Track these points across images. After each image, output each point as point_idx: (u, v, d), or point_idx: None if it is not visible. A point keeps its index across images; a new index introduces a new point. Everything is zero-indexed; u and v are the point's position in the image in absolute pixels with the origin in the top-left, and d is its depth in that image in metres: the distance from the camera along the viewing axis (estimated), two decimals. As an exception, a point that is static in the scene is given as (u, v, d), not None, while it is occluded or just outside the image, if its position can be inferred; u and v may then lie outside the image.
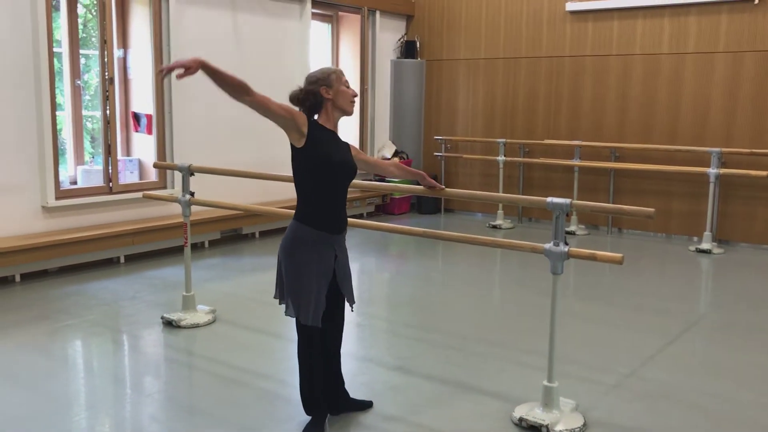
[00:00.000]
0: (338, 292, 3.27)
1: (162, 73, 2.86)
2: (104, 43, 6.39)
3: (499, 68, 9.12)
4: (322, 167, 3.08)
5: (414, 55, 9.58)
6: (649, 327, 4.98)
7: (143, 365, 4.26)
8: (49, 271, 6.03)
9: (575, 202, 3.26)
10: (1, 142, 5.72)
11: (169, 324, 4.78)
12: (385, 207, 9.48)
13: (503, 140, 8.79)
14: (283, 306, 3.20)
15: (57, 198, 6.09)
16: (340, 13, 8.96)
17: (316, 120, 3.17)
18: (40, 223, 6.02)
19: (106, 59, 6.42)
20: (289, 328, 4.92)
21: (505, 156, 8.78)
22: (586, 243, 7.84)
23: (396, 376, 4.01)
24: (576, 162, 8.32)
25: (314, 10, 8.42)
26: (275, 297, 3.26)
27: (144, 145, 7.06)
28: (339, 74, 3.17)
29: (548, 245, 3.31)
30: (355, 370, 4.05)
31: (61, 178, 6.38)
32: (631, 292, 5.89)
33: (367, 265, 6.96)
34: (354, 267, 6.88)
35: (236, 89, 2.91)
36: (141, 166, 7.06)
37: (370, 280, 6.64)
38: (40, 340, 4.53)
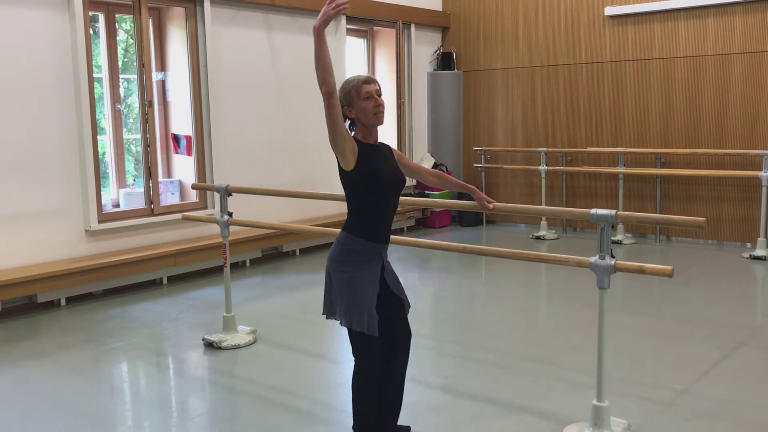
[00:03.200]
0: (392, 302, 3.17)
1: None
2: (142, 67, 6.47)
3: (537, 76, 8.98)
4: (372, 188, 3.01)
5: (451, 67, 9.50)
6: (702, 340, 4.77)
7: (184, 388, 4.24)
8: (93, 294, 6.09)
9: (620, 213, 3.13)
10: (45, 168, 5.82)
11: (210, 345, 4.76)
12: (425, 221, 9.38)
13: (544, 149, 8.63)
14: (329, 322, 3.10)
15: (100, 221, 6.16)
16: (375, 27, 8.94)
17: (357, 138, 3.04)
18: (83, 247, 6.09)
19: (144, 83, 6.50)
20: (330, 347, 4.87)
21: (546, 165, 8.62)
22: (634, 253, 7.63)
23: (439, 396, 3.90)
24: (620, 169, 8.11)
25: (349, 26, 8.42)
26: (323, 313, 3.14)
27: (184, 167, 7.12)
28: (357, 87, 2.97)
29: (594, 259, 3.19)
30: (398, 391, 3.95)
31: (104, 201, 6.46)
32: (683, 304, 5.68)
33: (409, 280, 6.87)
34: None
35: (327, 70, 2.78)
36: (182, 187, 7.12)
37: (412, 295, 6.49)
38: (84, 363, 4.55)
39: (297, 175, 7.73)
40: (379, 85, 3.05)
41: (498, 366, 4.39)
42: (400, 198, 3.27)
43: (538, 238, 8.51)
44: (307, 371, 4.39)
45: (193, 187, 5.35)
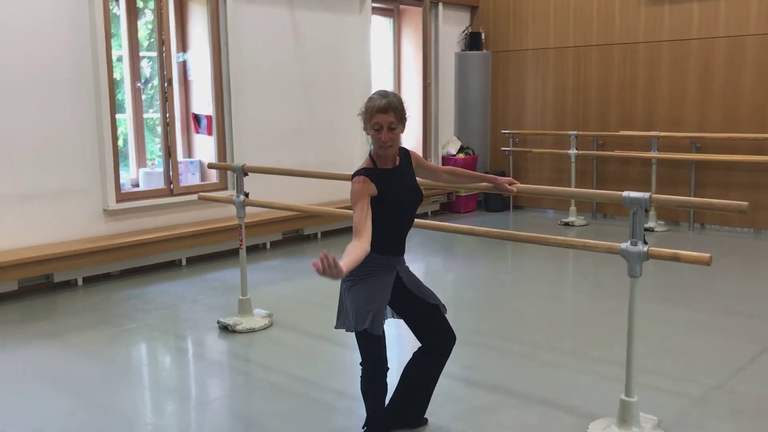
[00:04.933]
0: (420, 306, 3.02)
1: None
2: (162, 45, 6.35)
3: (569, 57, 8.69)
4: (389, 216, 2.87)
5: (479, 47, 9.25)
6: (739, 332, 4.54)
7: (195, 372, 4.14)
8: (111, 274, 6.02)
9: (655, 196, 2.92)
10: (63, 147, 5.73)
11: (225, 329, 4.64)
12: (450, 205, 9.18)
13: (575, 133, 8.36)
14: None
15: (118, 201, 6.08)
16: (402, 6, 8.72)
17: (374, 165, 2.87)
18: (101, 227, 6.02)
19: (164, 61, 6.38)
20: (346, 333, 4.72)
21: (577, 149, 8.35)
22: (667, 240, 7.36)
23: (458, 386, 3.73)
24: (654, 154, 7.81)
25: (375, 4, 8.21)
26: (336, 327, 3.00)
27: (205, 147, 7.01)
28: (371, 112, 2.79)
29: (625, 245, 2.99)
30: (415, 380, 3.79)
31: (123, 180, 6.37)
32: (718, 294, 5.43)
33: (432, 266, 6.70)
34: (417, 268, 6.70)
35: (362, 250, 2.64)
36: (202, 167, 7.01)
37: (434, 282, 6.35)
38: (97, 344, 4.46)
39: (319, 158, 7.58)
40: (396, 115, 2.80)
41: (521, 356, 4.21)
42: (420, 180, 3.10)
43: (566, 224, 8.26)
44: (322, 357, 4.25)
45: (210, 166, 5.23)
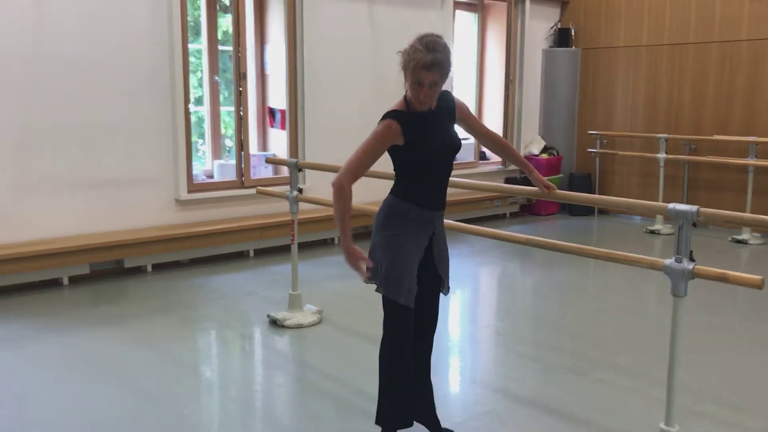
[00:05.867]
0: (431, 278, 2.89)
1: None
2: (237, 38, 6.45)
3: (663, 55, 8.20)
4: (419, 165, 2.76)
5: (568, 44, 8.89)
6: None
7: (235, 365, 4.17)
8: (181, 262, 6.19)
9: (703, 209, 2.65)
10: (139, 137, 5.93)
11: (274, 323, 4.66)
12: (530, 207, 8.89)
13: (665, 136, 7.88)
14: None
15: (189, 191, 6.23)
16: (486, 1, 8.49)
17: (407, 108, 2.74)
18: (173, 216, 6.19)
19: (239, 54, 6.48)
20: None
21: (667, 153, 7.87)
22: (760, 255, 6.80)
23: (496, 399, 3.57)
24: (751, 161, 7.25)
25: (458, -1, 8.05)
26: (366, 281, 2.87)
27: (279, 141, 7.08)
28: (415, 68, 2.60)
29: (669, 261, 2.73)
30: (451, 386, 3.66)
31: (197, 171, 6.53)
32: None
33: (508, 270, 6.49)
34: (492, 271, 6.49)
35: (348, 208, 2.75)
36: (275, 160, 7.08)
37: (496, 286, 6.19)
38: (149, 332, 4.56)
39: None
40: (440, 74, 2.63)
41: (572, 371, 3.98)
42: (471, 182, 2.95)
43: (652, 232, 7.81)
44: (363, 358, 4.16)
45: (267, 161, 5.26)
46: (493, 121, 8.71)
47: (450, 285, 2.99)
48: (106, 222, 5.81)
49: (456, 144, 2.85)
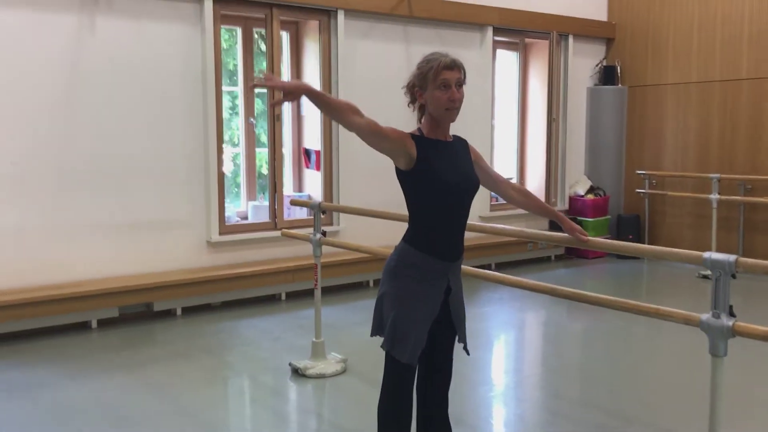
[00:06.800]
0: (446, 335, 2.69)
1: (264, 94, 2.60)
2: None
3: (714, 92, 7.87)
4: (435, 191, 2.56)
5: (614, 81, 8.63)
6: None
7: (250, 419, 3.98)
8: (212, 305, 6.10)
9: (742, 260, 2.38)
10: (171, 179, 5.92)
11: (296, 372, 4.48)
12: (577, 250, 8.54)
13: (717, 175, 7.49)
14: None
15: (221, 233, 6.17)
16: (528, 39, 8.33)
17: (422, 133, 2.62)
18: (204, 258, 6.12)
19: (274, 96, 6.45)
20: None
21: (720, 194, 7.48)
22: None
23: (522, 462, 3.30)
24: (812, 202, 6.82)
25: (498, 38, 7.90)
26: (372, 335, 2.72)
27: (314, 182, 6.99)
28: (437, 70, 2.52)
29: (706, 316, 2.46)
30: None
31: (230, 213, 6.48)
32: None
33: (554, 315, 6.15)
34: (538, 317, 6.17)
35: (345, 111, 2.49)
36: (310, 202, 6.99)
37: (547, 336, 5.86)
38: (165, 379, 4.41)
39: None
40: (463, 73, 2.57)
41: (604, 430, 3.67)
42: (508, 229, 2.75)
43: (705, 276, 7.37)
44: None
45: (292, 203, 5.14)
46: (536, 160, 8.47)
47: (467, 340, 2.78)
48: (135, 264, 5.77)
49: (475, 180, 2.68)
